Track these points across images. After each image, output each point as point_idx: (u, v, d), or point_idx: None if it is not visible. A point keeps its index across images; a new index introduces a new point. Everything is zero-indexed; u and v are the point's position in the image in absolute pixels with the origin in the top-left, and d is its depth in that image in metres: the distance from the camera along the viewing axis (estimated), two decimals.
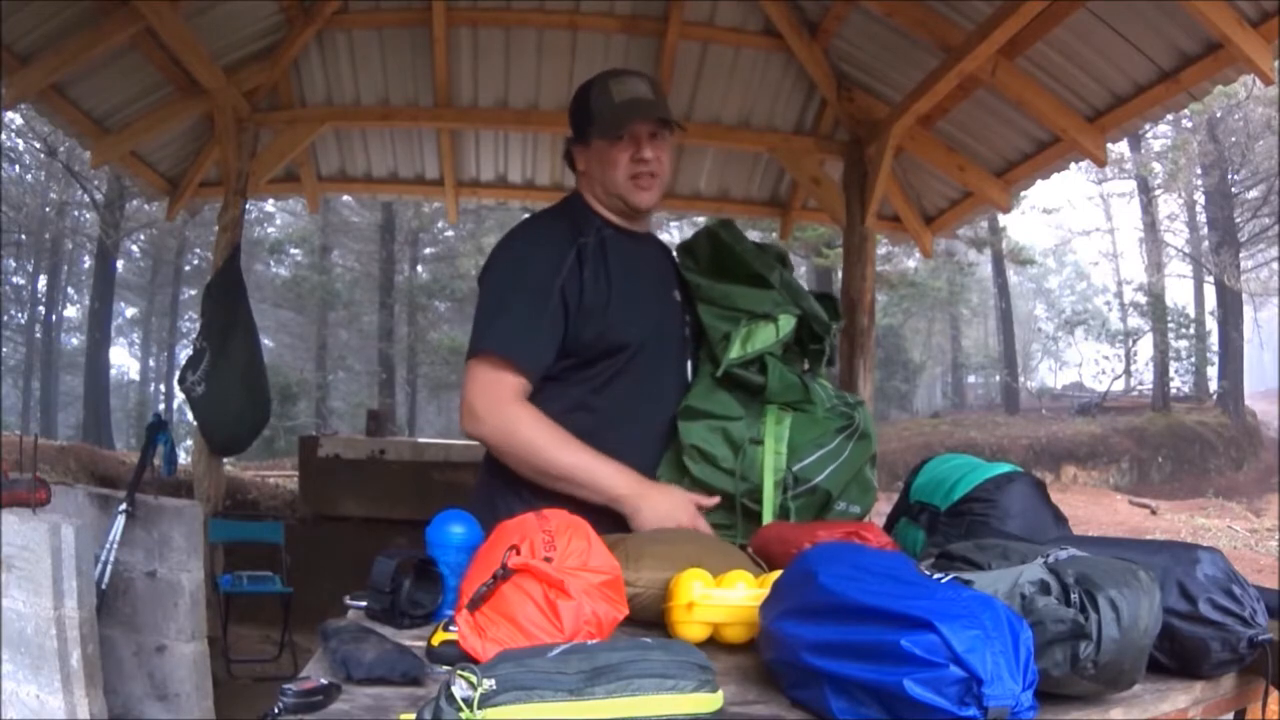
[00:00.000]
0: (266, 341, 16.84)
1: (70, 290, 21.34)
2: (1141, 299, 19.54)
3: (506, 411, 1.55)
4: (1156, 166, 18.11)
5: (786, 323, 1.64)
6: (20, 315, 19.46)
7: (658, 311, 1.72)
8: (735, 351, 1.61)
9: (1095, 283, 27.73)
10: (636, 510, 1.55)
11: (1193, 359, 19.42)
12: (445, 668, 0.98)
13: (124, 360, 25.67)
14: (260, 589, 3.96)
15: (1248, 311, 19.18)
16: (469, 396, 1.58)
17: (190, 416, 4.34)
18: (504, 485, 1.65)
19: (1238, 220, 17.46)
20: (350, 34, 4.21)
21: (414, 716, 0.76)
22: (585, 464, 1.55)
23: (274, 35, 4.11)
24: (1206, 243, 18.30)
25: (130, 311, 23.72)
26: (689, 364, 1.75)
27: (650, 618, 1.20)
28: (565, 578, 1.05)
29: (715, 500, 1.60)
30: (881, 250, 11.44)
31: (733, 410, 1.61)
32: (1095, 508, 12.02)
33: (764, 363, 1.63)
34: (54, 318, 20.78)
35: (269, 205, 18.85)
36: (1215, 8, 2.62)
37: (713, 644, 1.14)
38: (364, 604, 1.24)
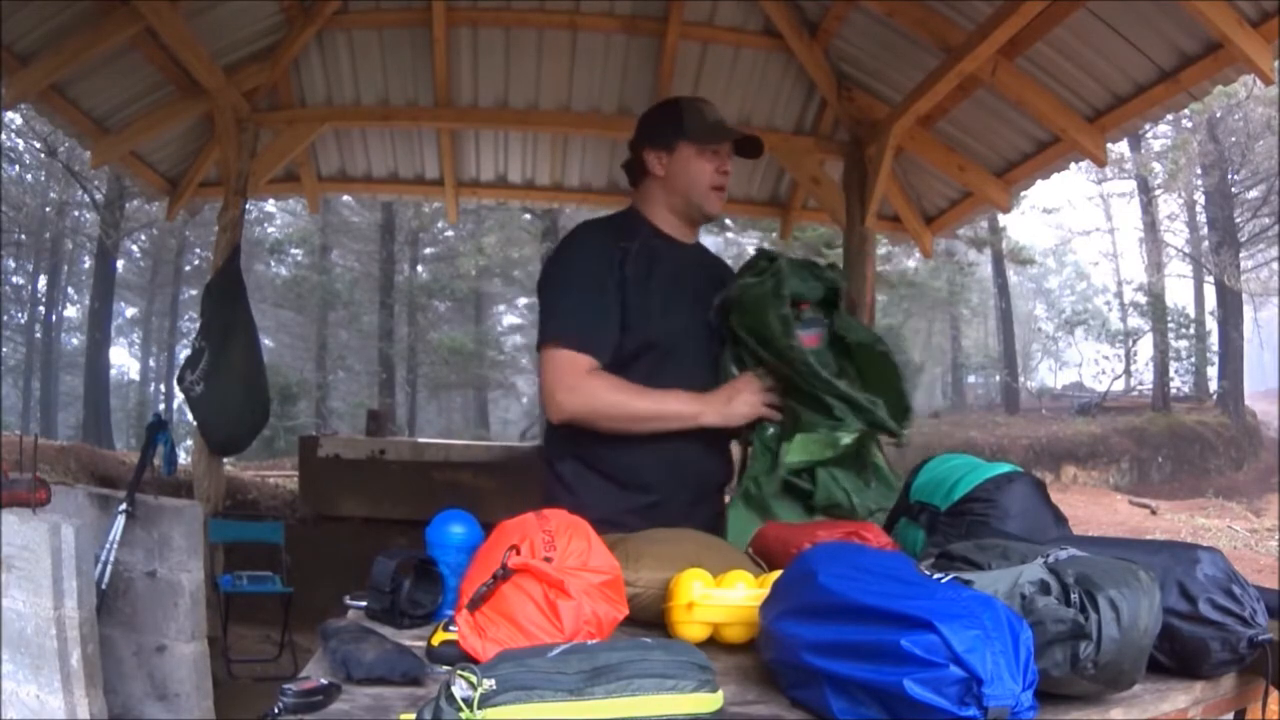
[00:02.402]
0: (266, 341, 16.80)
1: (70, 290, 21.33)
2: (1141, 299, 19.54)
3: (583, 387, 1.70)
4: (1156, 166, 18.10)
5: (847, 437, 1.68)
6: (20, 315, 19.44)
7: (693, 316, 1.84)
8: (794, 457, 1.69)
9: (1095, 283, 27.69)
10: (724, 418, 1.77)
11: (1193, 359, 19.41)
12: (445, 668, 0.98)
13: (124, 360, 25.65)
14: (260, 589, 3.96)
15: (1248, 311, 19.19)
16: (548, 385, 1.72)
17: (190, 416, 4.34)
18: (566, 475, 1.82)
19: (1238, 220, 17.46)
20: (350, 34, 4.20)
21: (414, 716, 0.76)
22: (660, 406, 1.74)
23: (274, 35, 4.10)
24: (1206, 243, 18.30)
25: (130, 311, 23.69)
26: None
27: (650, 618, 1.20)
28: (565, 578, 1.05)
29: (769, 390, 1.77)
30: (881, 250, 11.43)
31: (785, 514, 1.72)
32: (1095, 508, 12.02)
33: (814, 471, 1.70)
34: (54, 318, 20.77)
35: (269, 205, 18.82)
36: (1215, 8, 2.62)
37: (713, 644, 1.14)
38: (364, 604, 1.24)
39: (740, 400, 1.76)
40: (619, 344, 1.75)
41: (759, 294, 1.75)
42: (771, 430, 1.79)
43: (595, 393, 1.71)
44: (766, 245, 2.07)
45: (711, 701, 0.83)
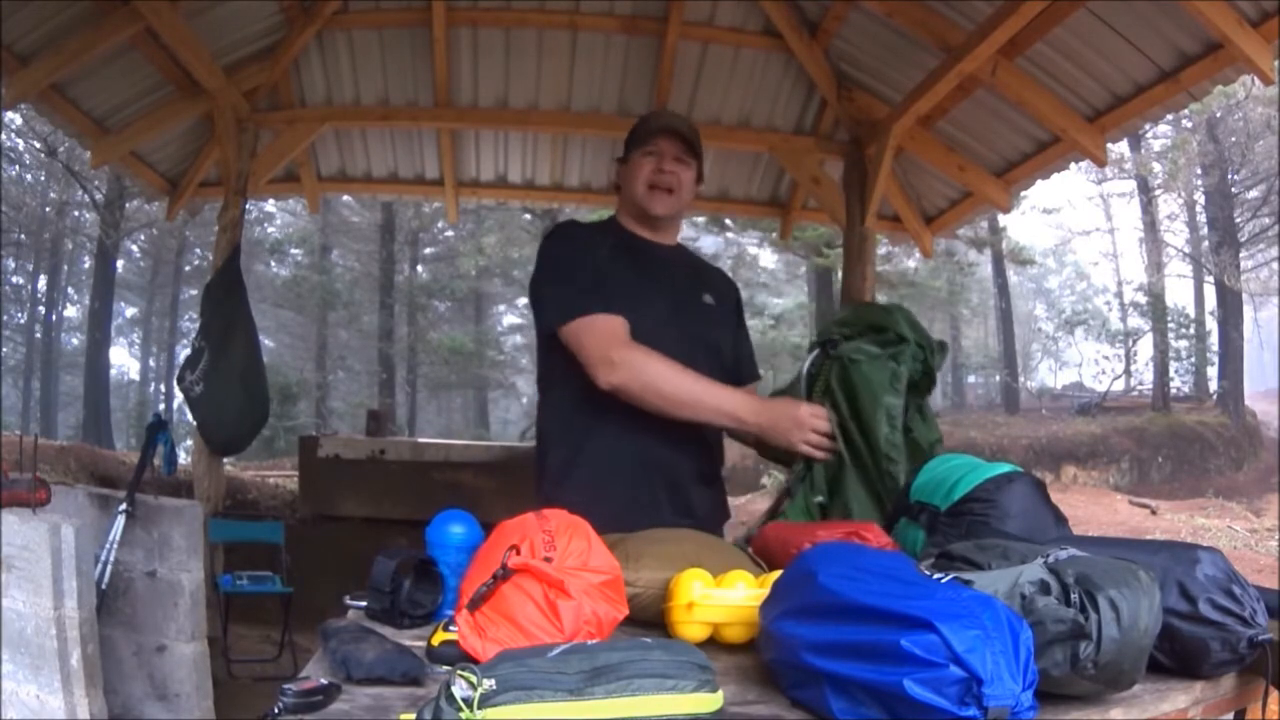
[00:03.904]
0: (266, 341, 16.81)
1: (70, 290, 21.31)
2: (1141, 299, 19.53)
3: (632, 354, 1.69)
4: (1156, 166, 18.09)
5: None
6: (20, 315, 19.43)
7: (667, 312, 1.86)
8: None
9: (1095, 283, 27.65)
10: (761, 430, 1.72)
11: (1193, 359, 19.41)
12: (445, 668, 0.98)
13: (124, 360, 25.62)
14: (260, 589, 3.96)
15: (1248, 311, 19.18)
16: (596, 349, 1.70)
17: (190, 416, 4.34)
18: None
19: (1238, 220, 17.45)
20: (350, 34, 4.21)
21: (414, 716, 0.76)
22: (706, 395, 1.72)
23: (274, 35, 4.11)
24: (1206, 243, 18.29)
25: (130, 311, 23.68)
26: (719, 356, 1.93)
27: (650, 618, 1.20)
28: (565, 578, 1.05)
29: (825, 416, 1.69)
30: (881, 250, 11.41)
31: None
32: (1095, 508, 12.00)
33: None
34: (54, 318, 20.76)
35: (269, 205, 18.81)
36: (1215, 8, 2.62)
37: (713, 644, 1.14)
38: (364, 604, 1.24)
39: (796, 431, 1.67)
40: None
41: (878, 374, 1.66)
42: (820, 500, 1.70)
43: (646, 360, 1.68)
44: (901, 311, 1.95)
45: (711, 701, 0.83)
